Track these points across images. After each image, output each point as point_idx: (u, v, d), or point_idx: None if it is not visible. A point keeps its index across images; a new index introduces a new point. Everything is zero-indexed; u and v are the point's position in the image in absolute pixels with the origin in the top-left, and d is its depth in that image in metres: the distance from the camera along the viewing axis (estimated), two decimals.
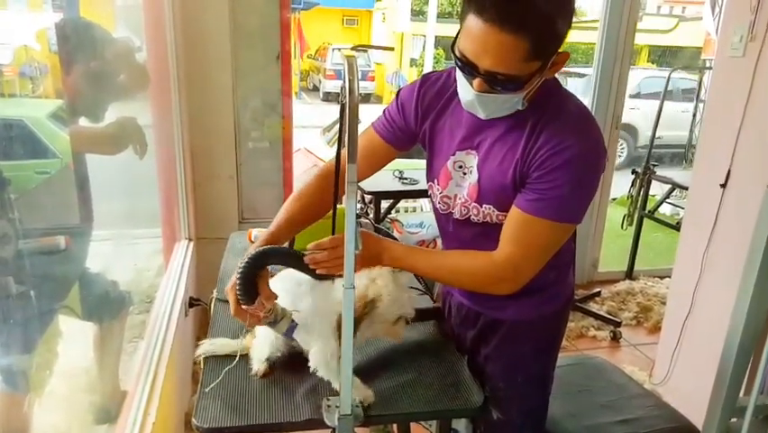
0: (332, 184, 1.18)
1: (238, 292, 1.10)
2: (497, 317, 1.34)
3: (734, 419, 1.26)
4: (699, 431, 1.45)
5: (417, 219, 3.34)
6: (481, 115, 1.13)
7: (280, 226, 1.25)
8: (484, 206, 1.20)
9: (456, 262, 1.23)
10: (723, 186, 2.25)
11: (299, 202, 1.29)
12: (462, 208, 1.24)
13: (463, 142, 1.21)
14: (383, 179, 3.08)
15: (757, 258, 1.14)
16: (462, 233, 1.28)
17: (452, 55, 1.08)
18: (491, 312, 1.34)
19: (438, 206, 1.30)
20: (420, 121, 1.27)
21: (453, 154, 1.22)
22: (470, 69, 1.04)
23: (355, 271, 1.03)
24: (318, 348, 1.17)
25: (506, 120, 1.14)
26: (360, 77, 1.02)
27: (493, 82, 1.04)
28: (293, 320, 1.17)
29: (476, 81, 1.05)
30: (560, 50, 1.05)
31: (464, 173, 1.22)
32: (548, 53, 1.03)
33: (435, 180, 1.28)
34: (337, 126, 1.02)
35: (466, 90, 1.09)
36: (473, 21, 0.99)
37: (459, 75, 1.11)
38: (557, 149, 1.07)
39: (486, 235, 1.21)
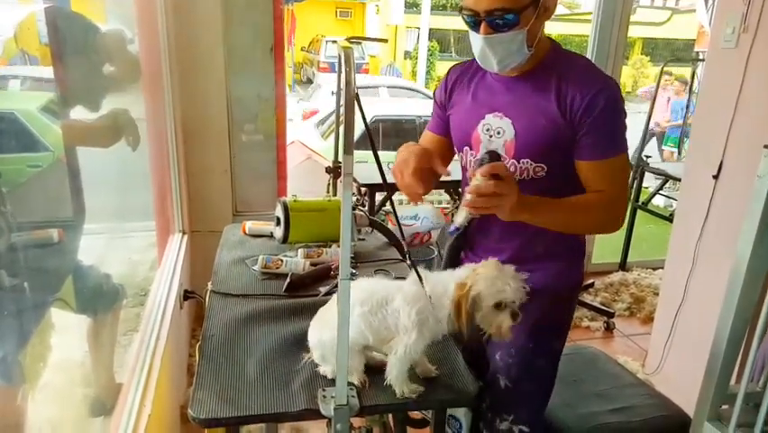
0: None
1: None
2: None
3: (725, 406, 1.27)
4: (690, 419, 1.47)
5: (412, 212, 3.31)
6: (494, 65, 1.26)
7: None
8: (522, 161, 1.30)
9: (584, 202, 1.29)
10: (715, 177, 2.26)
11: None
12: None
13: (491, 107, 1.33)
14: (377, 171, 3.05)
15: (747, 248, 1.15)
16: None
17: (461, 17, 1.25)
18: None
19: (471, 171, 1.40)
20: (449, 102, 1.44)
21: (483, 118, 1.34)
22: (473, 16, 1.21)
23: (497, 214, 1.17)
24: (400, 338, 1.15)
25: (527, 81, 1.29)
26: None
27: (493, 20, 1.20)
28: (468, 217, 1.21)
29: (481, 27, 1.21)
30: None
31: (491, 135, 1.34)
32: None
33: (469, 146, 1.39)
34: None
35: (476, 42, 1.25)
36: None
37: (471, 35, 1.26)
38: (593, 92, 1.22)
39: None
